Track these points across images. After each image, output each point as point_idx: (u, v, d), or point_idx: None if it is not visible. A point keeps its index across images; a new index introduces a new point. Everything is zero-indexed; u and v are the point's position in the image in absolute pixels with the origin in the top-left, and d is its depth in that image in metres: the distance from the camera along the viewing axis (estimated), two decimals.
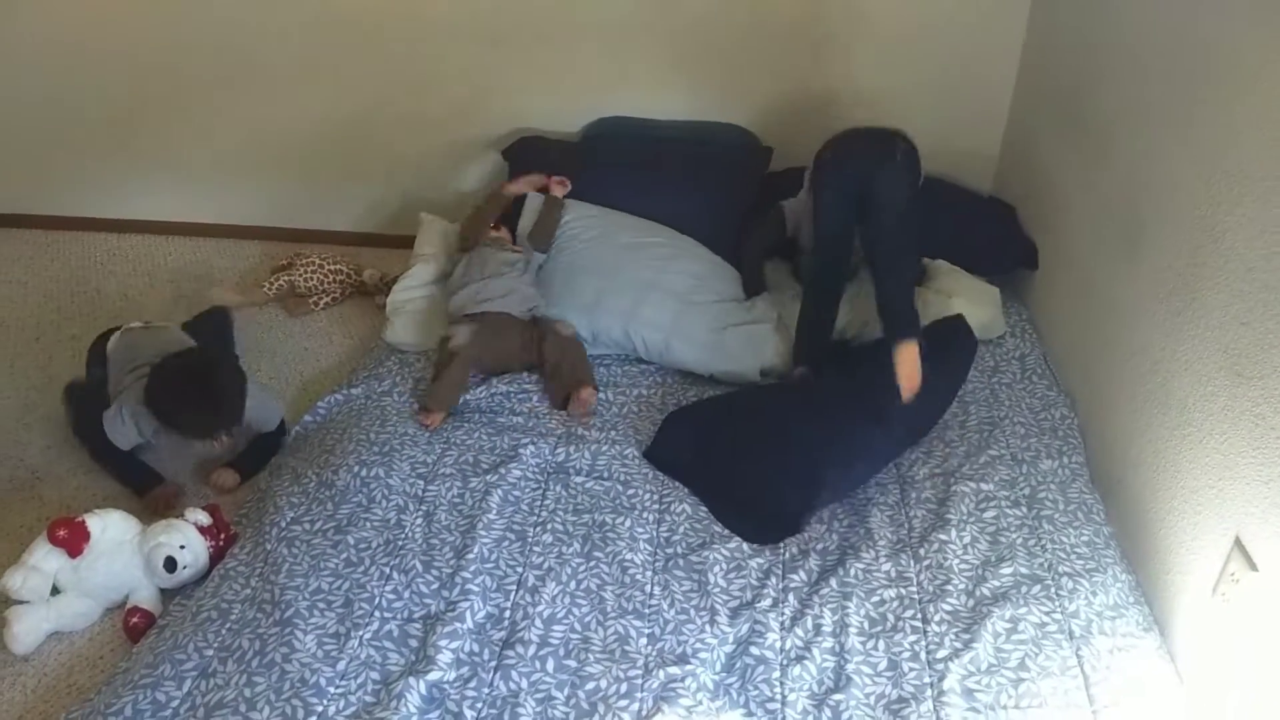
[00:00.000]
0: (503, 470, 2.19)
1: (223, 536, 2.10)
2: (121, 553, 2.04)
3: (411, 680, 1.71)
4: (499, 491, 2.13)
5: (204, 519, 2.10)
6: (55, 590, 2.02)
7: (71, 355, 2.93)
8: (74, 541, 2.00)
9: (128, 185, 3.56)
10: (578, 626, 1.86)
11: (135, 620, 2.00)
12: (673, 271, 2.70)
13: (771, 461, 2.16)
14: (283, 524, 2.06)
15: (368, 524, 2.06)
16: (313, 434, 2.37)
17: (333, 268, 3.15)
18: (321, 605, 1.86)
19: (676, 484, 2.21)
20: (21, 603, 1.98)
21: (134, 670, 1.75)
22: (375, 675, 1.74)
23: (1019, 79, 3.07)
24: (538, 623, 1.85)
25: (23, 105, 3.43)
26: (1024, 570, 1.97)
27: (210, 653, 1.77)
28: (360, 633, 1.81)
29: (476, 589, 1.90)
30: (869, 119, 3.12)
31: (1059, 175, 2.72)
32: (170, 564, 2.01)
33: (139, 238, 3.56)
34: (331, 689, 1.70)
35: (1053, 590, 1.93)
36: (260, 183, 3.47)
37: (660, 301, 2.60)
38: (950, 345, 2.36)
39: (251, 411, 2.34)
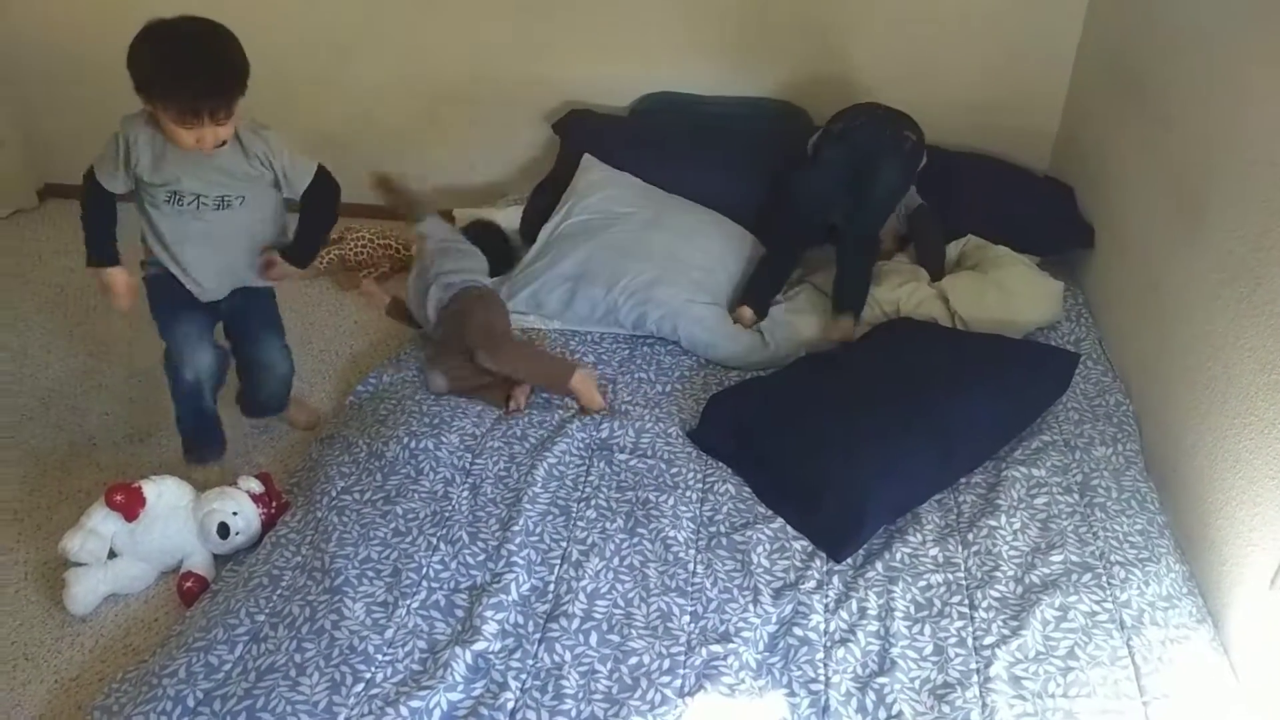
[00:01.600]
0: (548, 445, 2.20)
1: (274, 505, 2.14)
2: (176, 518, 2.09)
3: (458, 650, 1.73)
4: (544, 466, 2.14)
5: (256, 486, 2.13)
6: (112, 554, 2.07)
7: (128, 325, 2.99)
8: (130, 506, 2.05)
9: None
10: (620, 602, 1.86)
11: (189, 584, 2.04)
12: (725, 268, 2.70)
13: (814, 470, 2.07)
14: (333, 493, 2.09)
15: (416, 495, 2.08)
16: (365, 404, 2.40)
17: (382, 242, 3.17)
18: (370, 574, 1.89)
19: (720, 464, 2.20)
20: (80, 565, 2.03)
21: (188, 633, 1.79)
22: (422, 644, 1.76)
23: (1079, 53, 3.00)
24: (581, 597, 1.86)
25: (85, 79, 3.49)
26: (1075, 558, 1.94)
27: (261, 618, 1.80)
28: (408, 601, 1.83)
29: (521, 562, 1.92)
30: (924, 96, 3.09)
31: (1118, 153, 2.65)
32: (223, 530, 2.05)
33: None
34: (380, 656, 1.73)
35: (1104, 579, 1.89)
36: (310, 157, 3.50)
37: (711, 299, 2.60)
38: (1041, 378, 2.29)
39: (275, 156, 2.10)
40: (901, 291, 2.59)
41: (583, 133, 3.10)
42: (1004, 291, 2.59)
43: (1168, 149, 2.33)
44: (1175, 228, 2.25)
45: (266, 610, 1.82)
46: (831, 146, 2.66)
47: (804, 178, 2.72)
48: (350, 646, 1.73)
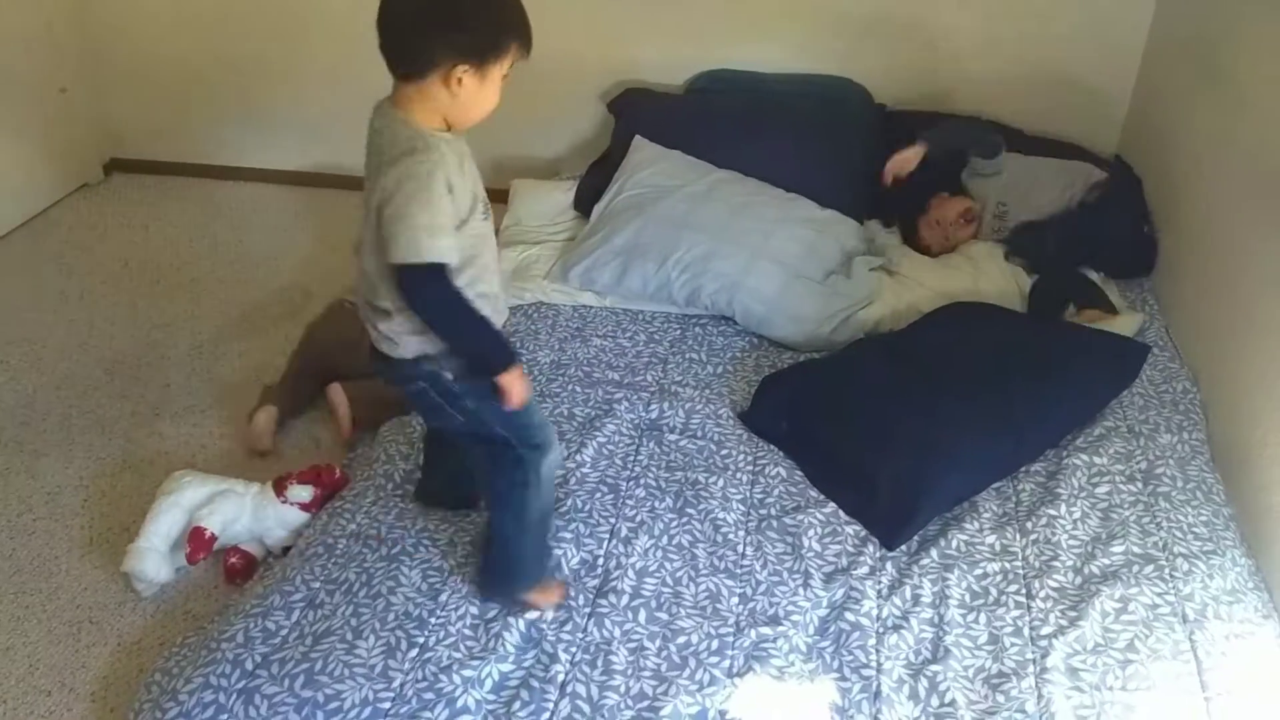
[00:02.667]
0: (597, 424, 2.20)
1: (328, 494, 2.12)
2: (239, 523, 2.09)
3: (510, 619, 1.74)
4: (593, 445, 2.14)
5: (306, 495, 2.09)
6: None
7: (189, 297, 3.05)
8: (200, 552, 2.03)
9: (247, 135, 3.66)
10: (669, 580, 1.86)
11: (234, 560, 2.07)
12: (781, 237, 2.63)
13: (872, 455, 2.03)
14: (397, 478, 2.07)
15: None
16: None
17: None
18: (427, 542, 1.91)
19: (771, 446, 2.18)
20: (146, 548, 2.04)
21: (245, 600, 1.82)
22: (474, 611, 1.77)
23: (1151, 32, 2.90)
24: (630, 573, 1.86)
25: (149, 57, 3.55)
26: (1136, 549, 1.89)
27: (317, 585, 1.83)
28: (464, 570, 1.84)
29: (569, 535, 1.92)
30: (987, 74, 3.02)
31: (1190, 134, 2.57)
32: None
33: (256, 186, 3.67)
34: (433, 620, 1.74)
35: (1166, 571, 1.84)
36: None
37: (768, 271, 2.54)
38: (1111, 368, 2.23)
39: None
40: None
41: (637, 111, 3.08)
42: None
43: (1243, 128, 2.24)
44: (1249, 213, 2.17)
45: (322, 577, 1.84)
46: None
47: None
48: (405, 612, 1.75)
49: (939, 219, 2.75)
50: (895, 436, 2.05)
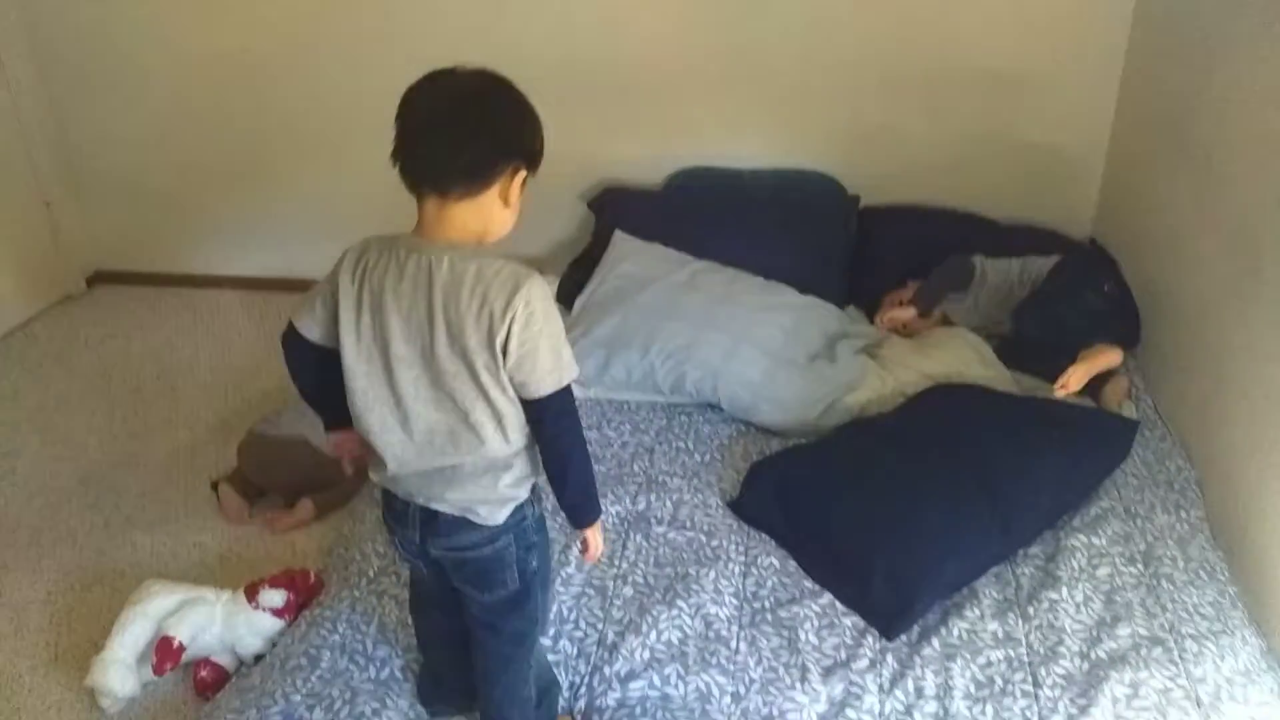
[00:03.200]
0: None
1: (301, 603, 2.07)
2: (209, 631, 2.02)
3: None
4: (578, 543, 2.07)
5: (279, 600, 2.04)
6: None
7: (169, 404, 3.01)
8: (167, 662, 1.97)
9: (227, 244, 3.68)
10: (657, 681, 1.78)
11: (204, 674, 1.99)
12: (762, 323, 2.63)
13: (866, 542, 1.99)
14: (371, 573, 2.02)
15: None
16: None
17: None
18: (415, 668, 1.83)
19: (763, 535, 2.12)
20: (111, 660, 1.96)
21: (218, 714, 1.73)
22: None
23: (1117, 116, 2.97)
24: (615, 684, 1.78)
25: (129, 172, 3.60)
26: (1143, 631, 1.83)
27: (298, 699, 1.74)
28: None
29: (556, 656, 1.83)
30: (956, 163, 3.08)
31: (1165, 212, 2.60)
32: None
33: (238, 293, 3.67)
34: None
35: (1176, 654, 1.78)
36: (357, 240, 3.55)
37: (751, 357, 2.53)
38: (1101, 446, 2.22)
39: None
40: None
41: (617, 208, 3.11)
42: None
43: (1219, 203, 2.27)
44: (1229, 285, 2.18)
45: (304, 690, 1.76)
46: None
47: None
48: None
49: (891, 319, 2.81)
50: (887, 524, 2.01)
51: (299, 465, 2.47)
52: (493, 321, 1.34)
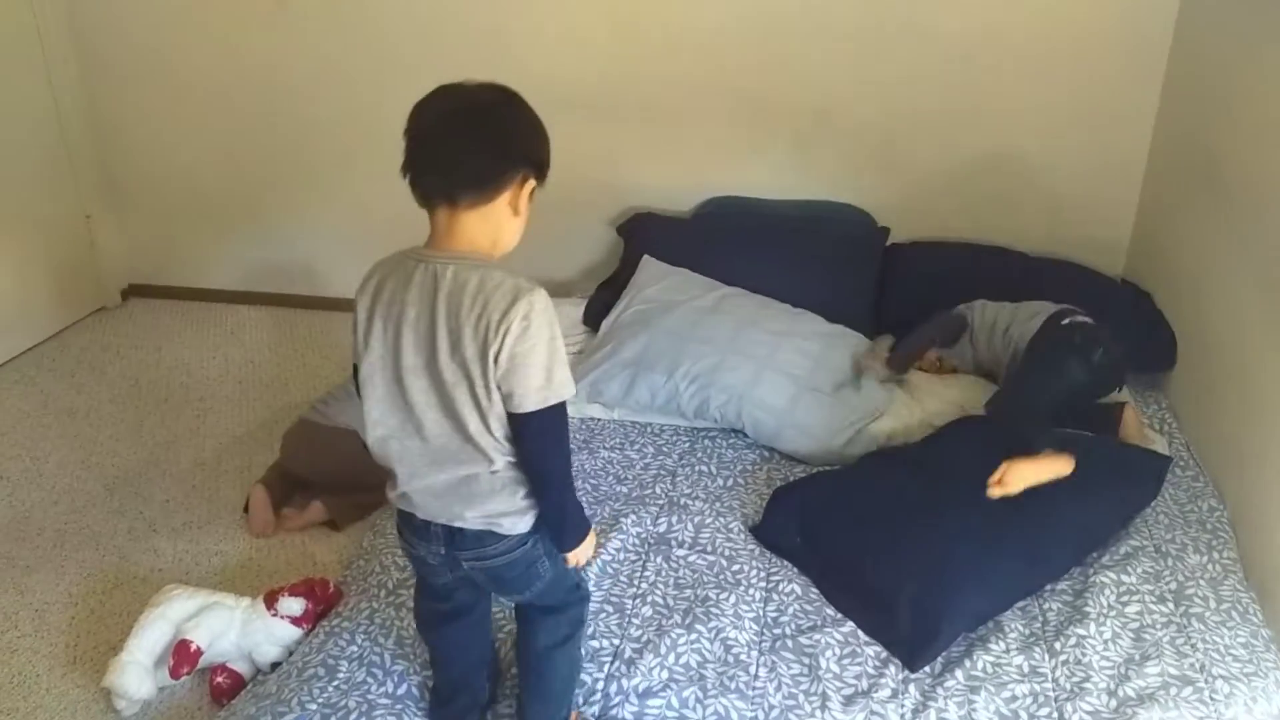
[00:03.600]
0: (603, 541, 2.13)
1: (321, 609, 2.07)
2: (227, 637, 2.02)
3: None
4: (599, 562, 2.06)
5: (297, 608, 2.03)
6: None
7: (195, 415, 3.03)
8: (184, 665, 1.96)
9: (261, 261, 3.73)
10: (674, 703, 1.75)
11: (220, 679, 1.99)
12: (788, 350, 2.61)
13: (891, 571, 1.96)
14: (390, 585, 2.03)
15: None
16: None
17: None
18: (430, 684, 1.80)
19: (784, 562, 2.10)
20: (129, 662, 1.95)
21: (233, 719, 1.73)
22: None
23: (1152, 151, 2.96)
24: (632, 698, 1.76)
25: (168, 188, 3.67)
26: (1173, 671, 1.78)
27: (314, 707, 1.73)
28: None
29: None
30: (988, 197, 3.07)
31: (1199, 251, 2.57)
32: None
33: (270, 309, 3.71)
34: None
35: (1206, 694, 1.73)
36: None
37: (776, 383, 2.52)
38: (1133, 482, 2.19)
39: None
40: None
41: (646, 234, 3.13)
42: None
43: (1254, 242, 2.25)
44: (1264, 323, 2.15)
45: (320, 700, 1.75)
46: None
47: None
48: None
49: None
50: (912, 553, 1.98)
51: (345, 457, 2.39)
52: (488, 332, 1.34)
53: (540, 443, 1.41)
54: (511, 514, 1.46)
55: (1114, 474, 2.17)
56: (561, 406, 1.40)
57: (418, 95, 1.41)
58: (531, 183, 1.43)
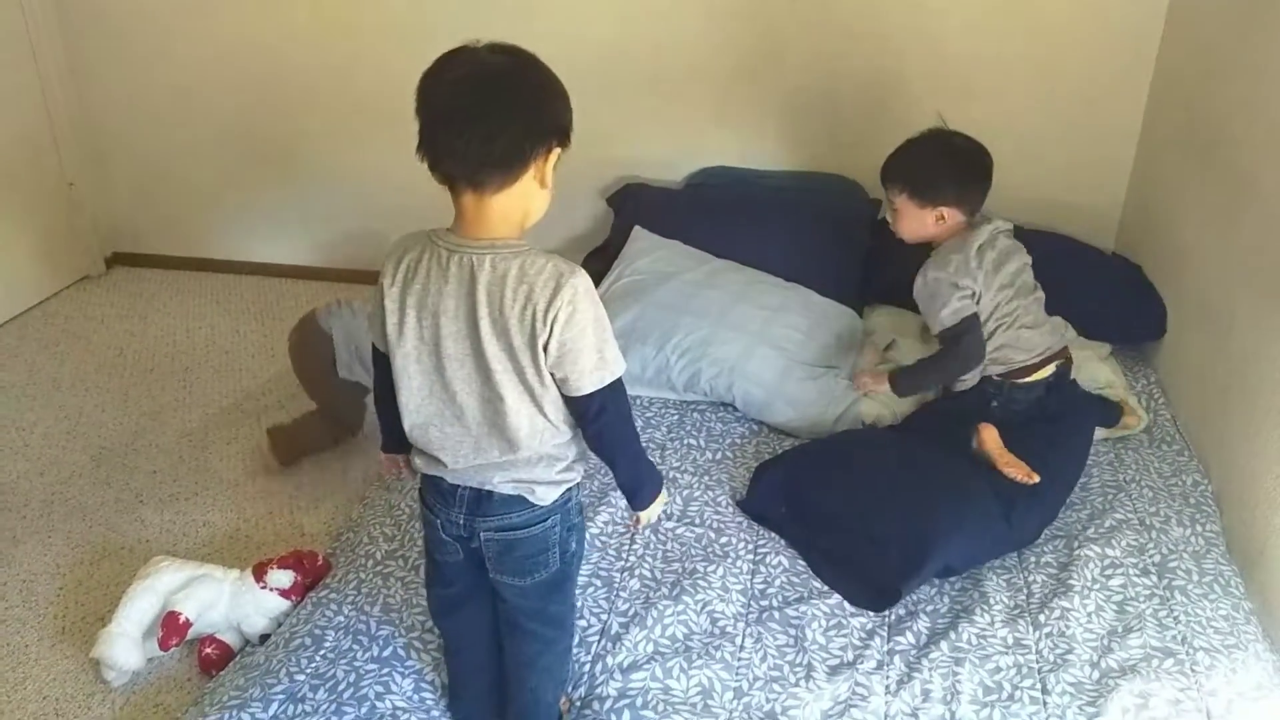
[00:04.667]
0: (591, 514, 2.13)
1: (308, 583, 2.07)
2: (215, 609, 2.02)
3: None
4: (587, 536, 2.07)
5: (286, 580, 2.03)
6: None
7: (181, 385, 3.02)
8: (172, 637, 1.96)
9: (247, 230, 3.69)
10: (659, 673, 1.76)
11: (209, 650, 1.99)
12: (780, 324, 2.61)
13: (871, 525, 2.03)
14: (378, 556, 2.03)
15: None
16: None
17: None
18: (419, 647, 1.82)
19: (772, 534, 2.11)
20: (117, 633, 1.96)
21: (221, 691, 1.73)
22: None
23: (1145, 124, 2.95)
24: (617, 674, 1.77)
25: (152, 154, 3.62)
26: (1155, 643, 1.80)
27: (301, 678, 1.74)
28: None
29: None
30: None
31: (1190, 224, 2.57)
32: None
33: (256, 279, 3.69)
34: None
35: (1187, 665, 1.76)
36: (375, 228, 3.56)
37: (767, 357, 2.51)
38: (1088, 405, 2.31)
39: None
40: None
41: (636, 205, 3.11)
42: None
43: (1245, 215, 2.25)
44: (1253, 300, 2.16)
45: (308, 670, 1.75)
46: None
47: None
48: (394, 718, 1.66)
49: None
50: (898, 508, 2.03)
51: (325, 364, 2.56)
52: (536, 322, 1.33)
53: (603, 420, 1.42)
54: (545, 483, 1.47)
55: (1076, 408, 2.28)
56: (618, 382, 1.41)
57: (408, 61, 1.36)
58: (557, 151, 1.38)
